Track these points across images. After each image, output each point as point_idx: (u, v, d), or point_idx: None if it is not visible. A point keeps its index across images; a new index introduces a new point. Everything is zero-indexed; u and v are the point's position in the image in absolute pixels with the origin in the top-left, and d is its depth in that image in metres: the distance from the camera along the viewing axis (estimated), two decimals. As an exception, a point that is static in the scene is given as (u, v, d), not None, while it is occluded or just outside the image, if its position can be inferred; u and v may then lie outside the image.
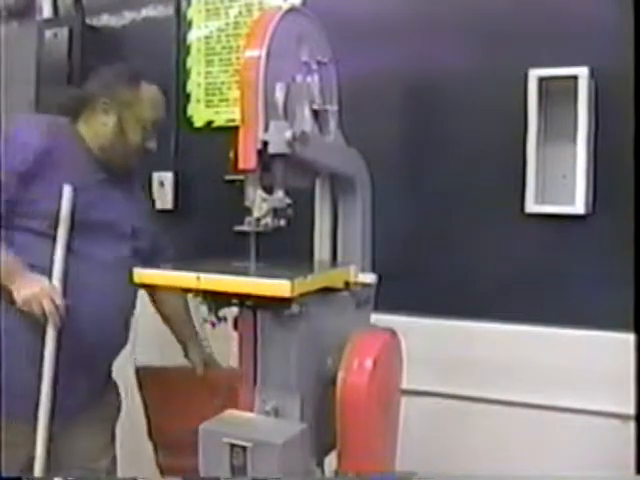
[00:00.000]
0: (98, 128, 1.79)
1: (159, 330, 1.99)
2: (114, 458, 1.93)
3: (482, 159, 1.96)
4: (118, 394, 1.94)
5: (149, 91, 1.83)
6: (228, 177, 2.12)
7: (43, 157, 1.69)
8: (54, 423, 1.72)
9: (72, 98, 1.86)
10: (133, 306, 1.86)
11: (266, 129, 1.41)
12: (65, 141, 1.77)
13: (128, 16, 2.45)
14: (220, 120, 2.30)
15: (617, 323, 1.75)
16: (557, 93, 1.84)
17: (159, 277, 1.49)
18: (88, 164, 1.78)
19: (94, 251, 1.73)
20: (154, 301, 1.97)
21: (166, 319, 1.98)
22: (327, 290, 1.53)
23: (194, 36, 2.35)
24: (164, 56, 2.37)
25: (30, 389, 1.66)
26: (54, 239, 1.67)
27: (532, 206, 1.88)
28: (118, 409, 1.94)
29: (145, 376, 1.95)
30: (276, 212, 1.46)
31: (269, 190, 1.46)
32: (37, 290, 1.62)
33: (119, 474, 1.93)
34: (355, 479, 1.48)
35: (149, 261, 1.75)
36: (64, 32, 2.42)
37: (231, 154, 1.48)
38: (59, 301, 1.64)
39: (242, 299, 1.44)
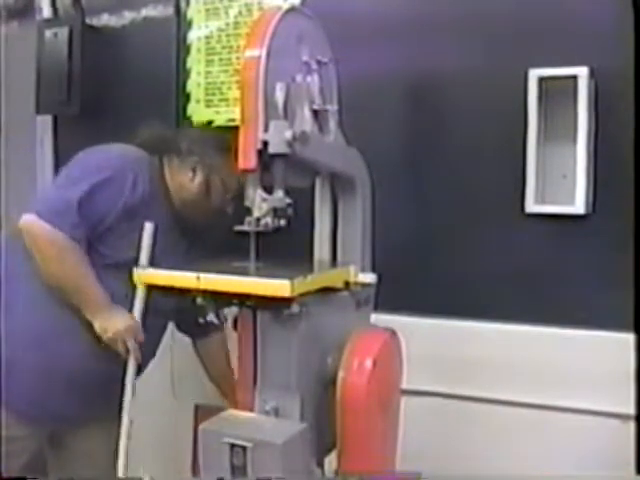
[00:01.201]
0: (184, 183, 1.80)
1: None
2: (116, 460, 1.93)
3: (482, 159, 1.96)
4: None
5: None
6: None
7: (137, 202, 1.70)
8: (61, 427, 1.73)
9: (162, 140, 1.86)
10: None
11: (266, 129, 1.41)
12: (155, 187, 1.77)
13: (128, 16, 2.45)
14: (220, 120, 2.30)
15: (617, 323, 1.74)
16: (557, 93, 1.84)
17: (159, 277, 1.50)
18: (167, 215, 1.78)
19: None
20: (202, 361, 1.99)
21: (212, 378, 2.00)
22: (327, 290, 1.53)
23: (194, 36, 2.35)
24: (164, 56, 2.37)
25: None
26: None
27: (532, 206, 1.88)
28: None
29: (204, 414, 1.95)
30: (276, 212, 1.46)
31: (269, 190, 1.46)
32: (122, 328, 1.65)
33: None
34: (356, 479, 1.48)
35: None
36: (64, 32, 2.42)
37: (231, 154, 1.49)
38: (141, 338, 1.67)
39: (242, 299, 1.44)
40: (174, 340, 1.98)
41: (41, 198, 1.79)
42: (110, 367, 1.72)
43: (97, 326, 1.65)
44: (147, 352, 1.80)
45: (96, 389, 1.75)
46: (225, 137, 1.81)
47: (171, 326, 1.92)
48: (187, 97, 2.36)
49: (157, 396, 2.18)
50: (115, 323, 1.65)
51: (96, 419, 1.82)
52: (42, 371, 1.69)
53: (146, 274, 1.51)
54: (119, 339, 1.65)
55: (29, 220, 1.64)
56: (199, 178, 1.79)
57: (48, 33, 2.44)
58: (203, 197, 1.79)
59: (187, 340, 1.98)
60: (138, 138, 1.85)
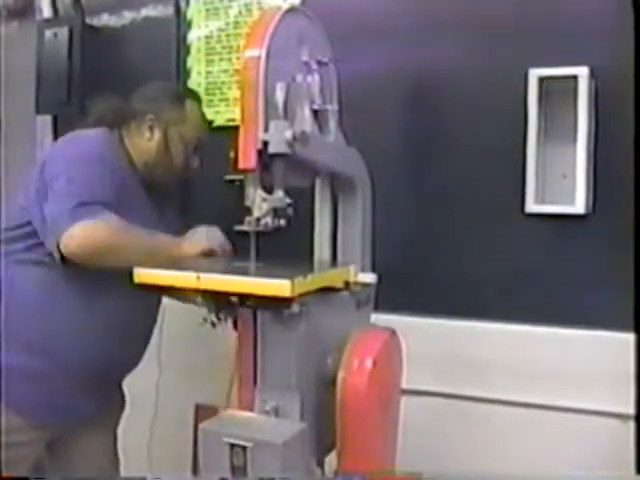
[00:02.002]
0: (143, 144, 1.78)
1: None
2: (117, 460, 1.94)
3: (482, 159, 1.96)
4: (124, 400, 1.95)
5: (194, 109, 1.83)
6: (228, 177, 2.13)
7: (110, 177, 1.66)
8: (59, 427, 1.73)
9: (116, 110, 1.84)
10: (154, 322, 1.87)
11: (266, 129, 1.41)
12: (119, 159, 1.75)
13: (128, 16, 2.45)
14: (220, 120, 2.30)
15: (617, 323, 1.74)
16: (557, 93, 1.84)
17: (159, 277, 1.49)
18: (132, 181, 1.76)
19: None
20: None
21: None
22: (327, 290, 1.53)
23: (194, 36, 2.35)
24: (164, 56, 2.37)
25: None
26: None
27: (532, 206, 1.88)
28: (121, 413, 1.96)
29: (204, 414, 1.95)
30: (276, 212, 1.46)
31: (269, 190, 1.46)
32: (205, 244, 1.66)
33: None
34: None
35: None
36: (64, 32, 2.42)
37: (231, 154, 1.49)
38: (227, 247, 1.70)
39: (242, 299, 1.44)
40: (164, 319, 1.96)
41: (58, 215, 1.60)
42: (118, 360, 1.73)
43: (172, 255, 1.62)
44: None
45: (104, 384, 1.77)
46: (174, 88, 1.89)
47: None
48: (187, 97, 2.35)
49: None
50: (195, 245, 1.65)
51: (100, 417, 1.82)
52: (50, 370, 1.67)
53: (146, 274, 1.51)
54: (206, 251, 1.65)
55: (68, 236, 1.55)
56: (157, 135, 1.77)
57: (48, 33, 2.44)
58: (164, 154, 1.77)
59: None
60: (92, 116, 1.84)
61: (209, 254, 1.65)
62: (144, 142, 1.78)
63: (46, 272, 1.66)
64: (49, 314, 1.67)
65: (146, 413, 2.21)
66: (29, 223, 1.67)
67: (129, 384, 1.92)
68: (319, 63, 1.57)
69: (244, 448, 1.32)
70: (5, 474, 1.63)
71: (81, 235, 1.54)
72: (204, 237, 1.68)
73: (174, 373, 2.21)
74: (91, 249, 1.56)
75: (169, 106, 1.79)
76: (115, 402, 1.91)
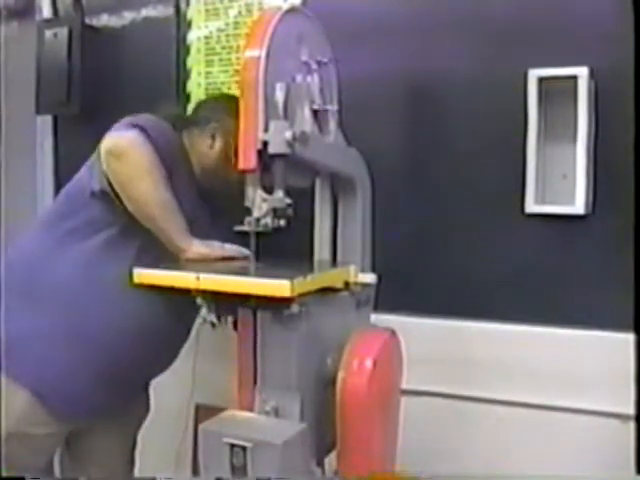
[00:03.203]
0: (205, 150, 1.78)
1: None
2: (132, 463, 1.93)
3: (482, 159, 1.96)
4: (149, 404, 1.94)
5: None
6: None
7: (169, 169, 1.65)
8: (82, 421, 1.72)
9: (179, 116, 1.86)
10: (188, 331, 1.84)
11: (266, 129, 1.41)
12: (180, 158, 1.74)
13: (128, 16, 2.45)
14: (220, 120, 2.30)
15: (617, 323, 1.74)
16: (557, 93, 1.84)
17: (159, 277, 1.50)
18: (191, 186, 1.76)
19: None
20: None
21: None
22: (327, 290, 1.53)
23: (194, 36, 2.35)
24: (164, 56, 2.37)
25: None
26: None
27: (532, 206, 1.88)
28: (145, 417, 1.95)
29: (204, 414, 1.95)
30: (276, 212, 1.46)
31: (269, 190, 1.46)
32: (204, 251, 1.63)
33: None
34: None
35: None
36: (64, 32, 2.42)
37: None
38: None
39: (242, 299, 1.44)
40: (198, 342, 1.96)
41: (117, 126, 1.68)
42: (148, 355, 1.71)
43: (177, 245, 1.61)
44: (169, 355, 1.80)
45: (129, 383, 1.76)
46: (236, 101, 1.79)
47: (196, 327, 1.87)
48: (187, 97, 2.36)
49: (174, 400, 2.19)
50: (198, 247, 1.63)
51: (122, 416, 1.82)
52: (78, 363, 1.64)
53: (146, 274, 1.51)
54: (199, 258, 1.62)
55: (115, 136, 1.61)
56: (219, 143, 1.77)
57: (48, 33, 2.44)
58: (224, 162, 1.76)
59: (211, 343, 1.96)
60: (158, 115, 1.82)
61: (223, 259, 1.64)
62: (206, 148, 1.78)
63: (86, 264, 1.65)
64: (82, 305, 1.64)
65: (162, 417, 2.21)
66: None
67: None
68: (319, 63, 1.57)
69: (244, 448, 1.32)
70: (4, 474, 1.62)
71: (126, 140, 1.59)
72: (220, 247, 1.66)
73: (174, 373, 2.21)
74: (129, 159, 1.57)
75: (232, 117, 1.71)
76: (139, 404, 1.90)
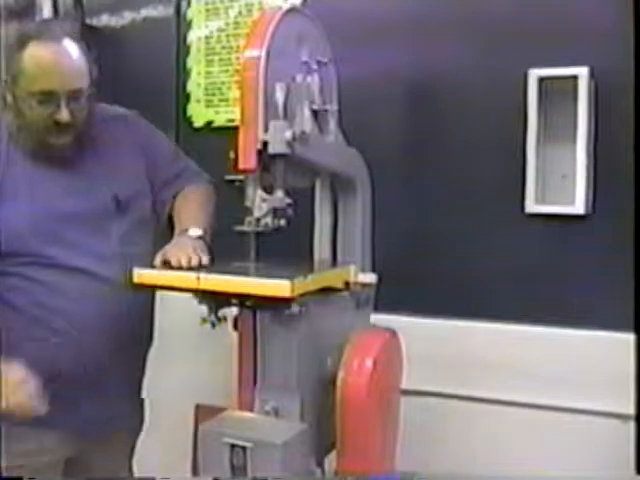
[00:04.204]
0: (5, 116, 1.60)
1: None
2: (131, 470, 1.89)
3: (482, 159, 1.96)
4: (142, 412, 1.86)
5: (36, 54, 1.51)
6: (228, 177, 2.13)
7: None
8: (78, 441, 1.65)
9: None
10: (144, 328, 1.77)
11: (266, 129, 1.41)
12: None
13: (128, 16, 2.45)
14: (220, 120, 2.30)
15: (617, 323, 1.74)
16: (557, 93, 1.84)
17: (159, 277, 1.49)
18: (19, 158, 1.61)
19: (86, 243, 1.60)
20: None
21: None
22: (327, 290, 1.53)
23: (194, 36, 2.35)
24: (164, 56, 2.37)
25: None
26: None
27: (532, 206, 1.88)
28: (140, 427, 1.87)
29: (204, 414, 1.94)
30: (276, 212, 1.46)
31: (269, 190, 1.46)
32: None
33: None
34: None
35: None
36: (64, 32, 2.42)
37: (231, 154, 1.49)
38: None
39: (242, 299, 1.44)
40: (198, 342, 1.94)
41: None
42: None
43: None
44: None
45: (99, 395, 1.65)
46: (18, 32, 1.58)
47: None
48: (187, 97, 2.36)
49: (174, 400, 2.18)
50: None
51: (116, 431, 1.74)
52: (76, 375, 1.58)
53: (146, 274, 1.51)
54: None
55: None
56: (9, 97, 1.56)
57: (48, 33, 2.44)
58: (20, 115, 1.56)
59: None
60: None
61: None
62: (6, 113, 1.59)
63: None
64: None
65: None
66: None
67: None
68: (319, 63, 1.57)
69: (244, 448, 1.32)
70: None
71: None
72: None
73: (174, 373, 2.21)
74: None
75: (12, 58, 1.54)
76: (130, 415, 1.81)
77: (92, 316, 1.59)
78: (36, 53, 1.51)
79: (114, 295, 1.59)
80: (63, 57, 1.54)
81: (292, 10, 1.53)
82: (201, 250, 1.57)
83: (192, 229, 1.66)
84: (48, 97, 1.53)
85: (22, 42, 1.52)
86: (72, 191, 1.63)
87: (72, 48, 1.56)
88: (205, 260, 1.53)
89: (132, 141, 1.77)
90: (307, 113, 1.52)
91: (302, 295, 1.37)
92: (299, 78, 1.50)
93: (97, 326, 1.60)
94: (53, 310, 1.57)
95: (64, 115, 1.54)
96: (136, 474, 1.97)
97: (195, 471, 1.99)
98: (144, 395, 1.86)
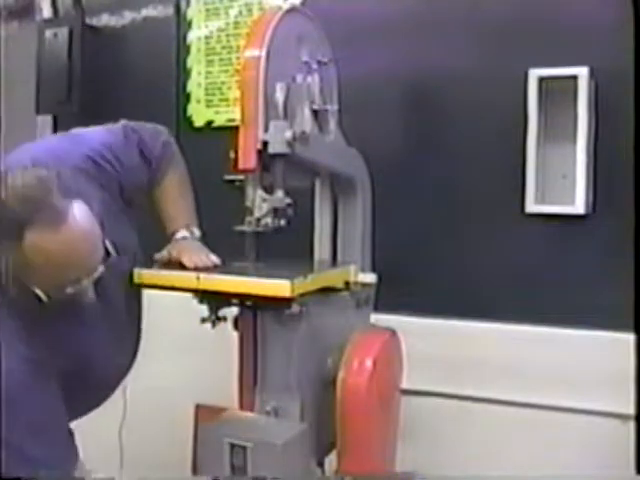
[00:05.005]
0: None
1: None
2: None
3: (482, 159, 1.96)
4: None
5: (42, 248, 1.18)
6: (228, 177, 2.13)
7: None
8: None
9: None
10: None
11: (266, 129, 1.41)
12: None
13: (128, 16, 2.45)
14: (220, 120, 2.30)
15: (617, 323, 1.74)
16: (557, 93, 1.84)
17: (159, 277, 1.49)
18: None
19: None
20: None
21: None
22: (327, 290, 1.53)
23: (194, 36, 2.35)
24: (164, 56, 2.37)
25: None
26: None
27: (532, 206, 1.88)
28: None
29: (204, 414, 1.94)
30: (276, 212, 1.46)
31: (269, 190, 1.46)
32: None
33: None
34: None
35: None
36: (64, 32, 2.42)
37: (231, 154, 1.49)
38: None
39: (242, 299, 1.44)
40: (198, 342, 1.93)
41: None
42: None
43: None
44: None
45: None
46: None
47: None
48: (187, 97, 2.36)
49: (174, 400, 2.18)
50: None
51: None
52: None
53: (146, 274, 1.51)
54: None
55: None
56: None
57: (48, 33, 2.44)
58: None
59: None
60: None
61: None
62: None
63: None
64: None
65: (145, 413, 2.21)
66: None
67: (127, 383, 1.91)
68: (319, 63, 1.57)
69: (244, 448, 1.32)
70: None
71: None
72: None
73: (174, 373, 2.21)
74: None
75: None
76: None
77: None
78: (41, 246, 1.17)
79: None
80: (78, 245, 1.23)
81: (292, 10, 1.53)
82: (208, 251, 1.59)
83: (192, 229, 1.66)
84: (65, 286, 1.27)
85: (15, 231, 1.16)
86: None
87: (81, 222, 1.24)
88: (217, 261, 1.55)
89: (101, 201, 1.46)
90: (307, 113, 1.52)
91: (302, 295, 1.37)
92: (299, 78, 1.50)
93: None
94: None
95: (90, 296, 1.32)
96: (135, 474, 1.97)
97: (195, 471, 1.99)
98: (142, 393, 1.86)
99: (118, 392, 1.75)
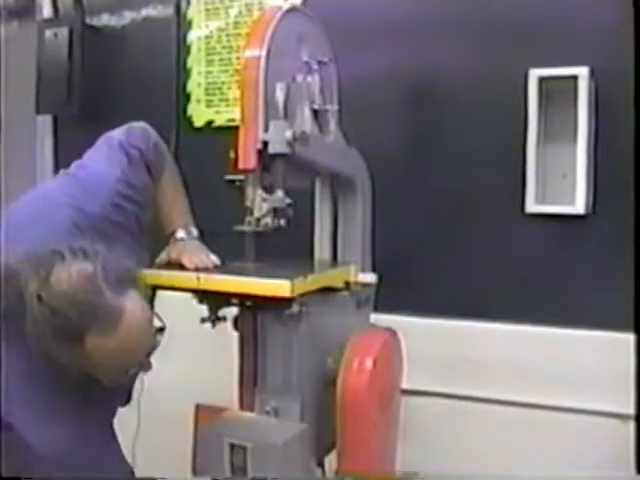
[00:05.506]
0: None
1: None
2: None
3: (482, 159, 1.96)
4: None
5: (103, 348, 1.20)
6: (228, 177, 2.13)
7: None
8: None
9: None
10: None
11: (266, 129, 1.41)
12: None
13: (128, 16, 2.45)
14: (220, 120, 2.30)
15: (617, 323, 1.75)
16: (557, 93, 1.84)
17: (159, 277, 1.49)
18: None
19: None
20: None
21: None
22: (327, 290, 1.53)
23: (194, 36, 2.35)
24: (164, 56, 2.37)
25: None
26: None
27: (532, 206, 1.88)
28: None
29: (204, 414, 1.94)
30: (276, 212, 1.46)
31: (269, 190, 1.46)
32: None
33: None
34: None
35: None
36: (64, 32, 2.42)
37: (231, 154, 1.49)
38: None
39: (242, 299, 1.44)
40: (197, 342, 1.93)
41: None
42: None
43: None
44: None
45: None
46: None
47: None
48: (187, 97, 2.36)
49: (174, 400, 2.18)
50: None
51: None
52: None
53: (149, 274, 1.51)
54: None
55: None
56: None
57: (48, 33, 2.44)
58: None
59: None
60: None
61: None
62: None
63: None
64: None
65: (145, 413, 2.21)
66: None
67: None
68: (319, 63, 1.57)
69: (244, 448, 1.32)
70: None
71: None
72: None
73: (174, 373, 2.21)
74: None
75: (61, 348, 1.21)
76: None
77: None
78: (103, 347, 1.20)
79: None
80: (138, 335, 1.25)
81: (292, 10, 1.52)
82: (208, 251, 1.59)
83: (190, 228, 1.66)
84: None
85: (74, 337, 1.18)
86: None
87: (136, 312, 1.23)
88: (217, 261, 1.55)
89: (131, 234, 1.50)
90: (307, 113, 1.52)
91: (302, 295, 1.37)
92: (299, 78, 1.50)
93: None
94: None
95: (147, 367, 1.36)
96: (136, 474, 1.97)
97: (195, 471, 1.99)
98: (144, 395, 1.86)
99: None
